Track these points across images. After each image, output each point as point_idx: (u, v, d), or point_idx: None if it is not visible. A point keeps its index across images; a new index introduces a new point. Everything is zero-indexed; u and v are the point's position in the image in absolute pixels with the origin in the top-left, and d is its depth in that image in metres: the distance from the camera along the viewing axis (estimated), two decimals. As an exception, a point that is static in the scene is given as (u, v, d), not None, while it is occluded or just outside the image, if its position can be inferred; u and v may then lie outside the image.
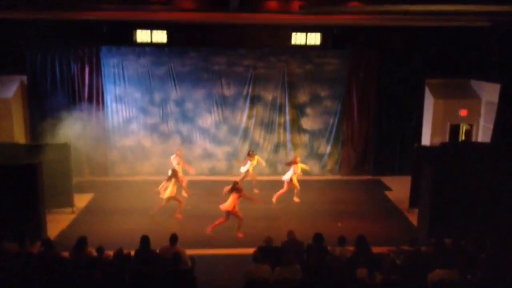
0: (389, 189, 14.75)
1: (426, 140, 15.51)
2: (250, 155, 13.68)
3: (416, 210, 11.70)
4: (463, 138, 15.68)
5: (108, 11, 12.20)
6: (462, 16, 11.85)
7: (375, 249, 8.45)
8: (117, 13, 12.42)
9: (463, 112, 15.26)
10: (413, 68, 15.40)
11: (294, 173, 12.97)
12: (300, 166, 13.12)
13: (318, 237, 8.33)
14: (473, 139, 15.35)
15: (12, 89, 14.67)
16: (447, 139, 15.22)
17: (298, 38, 15.15)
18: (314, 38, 15.16)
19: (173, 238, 8.33)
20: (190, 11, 11.81)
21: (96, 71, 15.03)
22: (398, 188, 14.35)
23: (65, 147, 12.23)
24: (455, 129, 15.57)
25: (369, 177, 15.90)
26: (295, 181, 13.04)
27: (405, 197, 12.77)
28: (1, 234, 8.72)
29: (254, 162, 13.64)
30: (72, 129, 13.85)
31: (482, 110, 15.14)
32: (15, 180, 10.28)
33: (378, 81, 15.50)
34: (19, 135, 14.74)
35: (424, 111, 15.77)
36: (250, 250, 8.20)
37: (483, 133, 15.05)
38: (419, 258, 7.87)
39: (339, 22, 13.78)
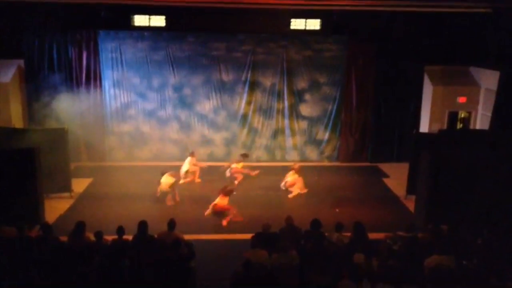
0: (386, 176, 14.77)
1: (424, 127, 15.48)
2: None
3: (414, 197, 11.71)
4: (461, 125, 15.66)
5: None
6: (462, 2, 11.78)
7: (372, 235, 8.52)
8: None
9: (461, 99, 15.22)
10: (412, 54, 15.26)
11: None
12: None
13: (315, 223, 8.36)
14: (471, 127, 15.34)
15: (9, 73, 14.57)
16: (445, 126, 15.21)
17: (297, 24, 15.01)
18: (314, 24, 15.03)
19: (171, 224, 8.36)
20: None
21: (94, 55, 14.89)
22: (396, 175, 14.36)
23: (62, 132, 12.21)
24: (453, 116, 15.56)
25: (367, 163, 15.90)
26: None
27: (403, 184, 12.79)
28: (0, 218, 8.75)
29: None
30: (70, 114, 13.83)
31: (481, 98, 15.10)
32: (13, 165, 10.26)
33: (377, 68, 15.40)
34: (17, 120, 14.67)
35: (423, 98, 15.72)
36: (248, 236, 8.24)
37: (481, 121, 15.03)
38: (416, 244, 7.91)
39: (339, 7, 13.65)
